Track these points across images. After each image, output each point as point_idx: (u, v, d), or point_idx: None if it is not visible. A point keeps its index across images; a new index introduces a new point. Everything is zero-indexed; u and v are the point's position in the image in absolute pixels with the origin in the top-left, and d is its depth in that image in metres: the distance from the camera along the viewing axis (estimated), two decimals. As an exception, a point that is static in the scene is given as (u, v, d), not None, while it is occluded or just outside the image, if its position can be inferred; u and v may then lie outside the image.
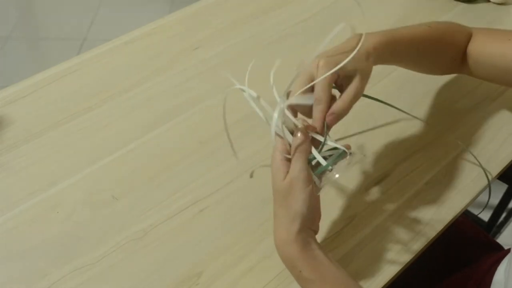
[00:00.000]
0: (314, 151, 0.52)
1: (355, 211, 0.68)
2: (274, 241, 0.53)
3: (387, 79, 0.82)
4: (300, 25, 0.95)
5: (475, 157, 0.73)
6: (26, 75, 0.86)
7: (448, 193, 0.70)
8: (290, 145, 0.52)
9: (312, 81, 0.53)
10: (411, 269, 0.64)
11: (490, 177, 0.71)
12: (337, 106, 0.54)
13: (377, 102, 0.69)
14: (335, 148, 0.54)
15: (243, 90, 0.53)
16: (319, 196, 0.54)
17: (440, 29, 0.67)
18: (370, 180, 0.71)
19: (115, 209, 0.68)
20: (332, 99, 0.55)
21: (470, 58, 0.69)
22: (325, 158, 0.53)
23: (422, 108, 0.80)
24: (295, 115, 0.55)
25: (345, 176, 0.71)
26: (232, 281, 0.61)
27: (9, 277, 0.62)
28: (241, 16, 0.96)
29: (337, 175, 0.53)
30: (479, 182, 0.71)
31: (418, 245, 0.64)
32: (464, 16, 0.95)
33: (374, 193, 0.70)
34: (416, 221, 0.67)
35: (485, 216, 1.30)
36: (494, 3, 0.98)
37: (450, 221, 0.67)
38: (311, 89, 0.54)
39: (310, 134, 0.52)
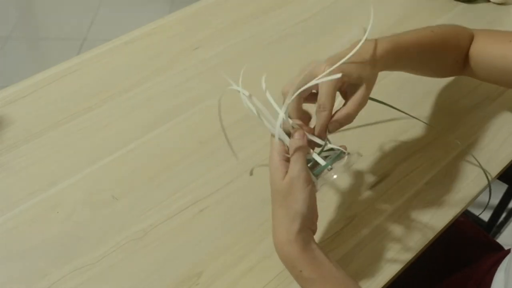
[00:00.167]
0: (312, 153, 0.53)
1: (355, 211, 0.68)
2: (273, 241, 0.53)
3: (387, 79, 0.82)
4: (300, 25, 0.95)
5: (474, 157, 0.73)
6: (26, 75, 0.86)
7: (448, 193, 0.70)
8: (287, 146, 0.52)
9: (312, 76, 0.53)
10: (411, 269, 0.64)
11: (490, 177, 0.71)
12: (341, 114, 0.54)
13: (377, 102, 0.69)
14: (332, 150, 0.54)
15: (239, 91, 0.53)
16: (315, 197, 0.54)
17: (443, 33, 0.67)
18: (370, 180, 0.71)
19: (115, 209, 0.68)
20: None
21: (472, 60, 0.69)
22: (323, 159, 0.53)
23: (422, 108, 0.80)
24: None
25: (345, 176, 0.71)
26: (232, 281, 0.61)
27: (9, 277, 0.62)
28: (241, 16, 0.96)
29: (335, 176, 0.53)
30: (479, 182, 0.71)
31: (418, 245, 0.64)
32: (464, 16, 0.95)
33: (374, 193, 0.70)
34: (416, 221, 0.67)
35: (485, 216, 1.30)
36: (494, 3, 0.98)
37: (450, 221, 0.67)
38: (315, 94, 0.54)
39: (307, 136, 0.52)
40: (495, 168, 0.73)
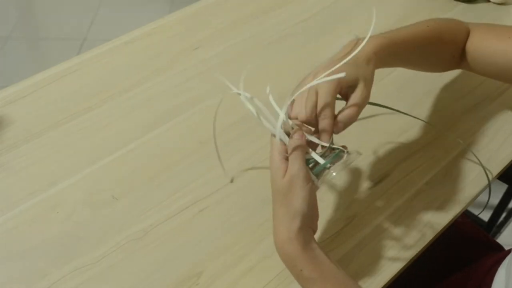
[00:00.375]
0: (312, 153, 0.53)
1: (355, 211, 0.68)
2: (274, 240, 0.53)
3: (387, 79, 0.82)
4: (300, 25, 0.95)
5: (475, 156, 0.73)
6: (26, 75, 0.86)
7: (448, 193, 0.70)
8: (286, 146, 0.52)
9: (316, 93, 0.53)
10: (411, 269, 0.64)
11: (490, 176, 0.71)
12: (344, 115, 0.54)
13: (378, 102, 0.69)
14: (332, 149, 0.54)
15: (239, 93, 0.53)
16: (316, 196, 0.54)
17: (439, 27, 0.67)
18: (370, 180, 0.71)
19: (115, 209, 0.68)
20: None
21: (469, 55, 0.69)
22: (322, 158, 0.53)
23: (421, 108, 0.80)
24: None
25: (345, 176, 0.71)
26: (232, 281, 0.61)
27: (9, 277, 0.62)
28: (241, 16, 0.96)
29: (334, 174, 0.53)
30: (479, 182, 0.71)
31: (418, 245, 0.64)
32: (464, 16, 0.95)
33: (374, 193, 0.70)
34: (416, 221, 0.67)
35: (485, 216, 1.30)
36: (494, 3, 0.98)
37: (450, 221, 0.67)
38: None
39: (306, 136, 0.53)
40: (495, 168, 0.73)
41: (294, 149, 0.51)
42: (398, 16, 0.95)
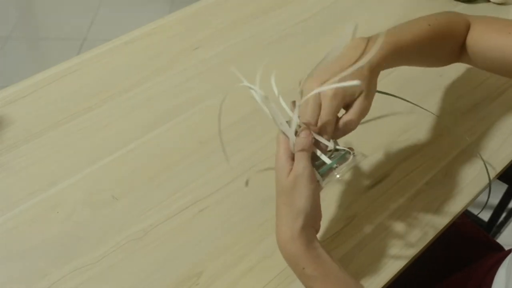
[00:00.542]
0: (318, 152, 0.53)
1: (355, 211, 0.68)
2: (276, 239, 0.53)
3: (386, 79, 0.82)
4: (300, 25, 0.95)
5: (480, 156, 0.73)
6: (26, 75, 0.86)
7: (448, 193, 0.70)
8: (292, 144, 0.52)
9: (319, 105, 0.53)
10: (411, 268, 0.64)
11: (491, 175, 0.71)
12: (344, 123, 0.54)
13: (378, 102, 0.69)
14: (337, 150, 0.54)
15: (251, 88, 0.53)
16: (319, 195, 0.54)
17: (440, 25, 0.66)
18: (370, 180, 0.71)
19: (115, 209, 0.68)
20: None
21: (469, 49, 0.68)
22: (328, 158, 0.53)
23: (421, 109, 0.80)
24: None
25: (345, 176, 0.71)
26: (232, 281, 0.61)
27: (9, 277, 0.62)
28: (241, 16, 0.96)
29: (338, 175, 0.53)
30: (479, 182, 0.71)
31: (418, 245, 0.64)
32: (464, 16, 0.95)
33: (374, 193, 0.70)
34: (416, 221, 0.67)
35: (485, 216, 1.30)
36: (494, 3, 0.98)
37: (450, 221, 0.67)
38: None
39: (313, 136, 0.53)
40: (495, 168, 0.73)
41: (301, 148, 0.51)
42: (398, 16, 0.94)
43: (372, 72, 0.56)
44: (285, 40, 0.92)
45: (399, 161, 0.73)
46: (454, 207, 0.68)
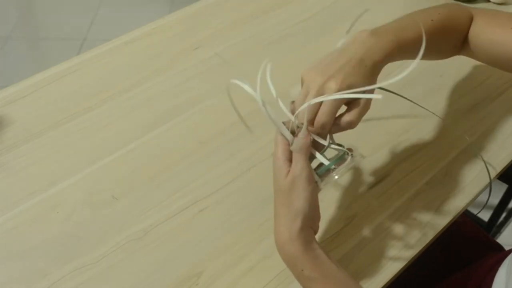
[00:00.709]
0: (316, 153, 0.53)
1: (355, 211, 0.68)
2: (274, 240, 0.53)
3: (386, 79, 0.82)
4: (300, 25, 0.95)
5: (480, 156, 0.73)
6: (26, 75, 0.86)
7: (448, 193, 0.70)
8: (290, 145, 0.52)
9: (318, 104, 0.52)
10: (411, 269, 0.64)
11: (492, 175, 0.71)
12: (344, 122, 0.53)
13: (378, 102, 0.69)
14: (335, 144, 0.54)
15: (241, 84, 0.53)
16: (318, 196, 0.54)
17: (443, 19, 0.65)
18: (370, 180, 0.71)
19: (115, 209, 0.68)
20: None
21: (471, 43, 0.67)
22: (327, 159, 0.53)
23: (421, 109, 0.80)
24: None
25: (345, 176, 0.71)
26: (232, 281, 0.61)
27: (9, 277, 0.62)
28: (241, 16, 0.96)
29: (336, 176, 0.53)
30: (479, 182, 0.71)
31: (418, 245, 0.64)
32: (464, 16, 0.95)
33: (374, 193, 0.70)
34: (416, 221, 0.67)
35: (485, 216, 1.30)
36: (494, 3, 0.98)
37: (450, 221, 0.67)
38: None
39: (311, 136, 0.53)
40: (496, 168, 0.73)
41: (298, 149, 0.51)
42: (398, 16, 0.94)
43: (374, 71, 0.56)
44: (285, 40, 0.92)
45: (399, 161, 0.73)
46: (454, 207, 0.68)
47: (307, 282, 0.52)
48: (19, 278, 0.61)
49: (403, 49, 0.59)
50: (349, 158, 0.53)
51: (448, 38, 0.67)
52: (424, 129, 0.77)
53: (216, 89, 0.82)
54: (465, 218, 0.92)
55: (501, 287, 0.72)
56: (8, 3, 2.50)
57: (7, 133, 0.76)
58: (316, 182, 0.52)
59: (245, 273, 0.62)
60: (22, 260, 0.63)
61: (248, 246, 0.64)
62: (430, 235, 0.65)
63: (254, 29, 0.94)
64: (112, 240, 0.65)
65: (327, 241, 0.65)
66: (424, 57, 0.70)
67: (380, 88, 0.62)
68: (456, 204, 0.69)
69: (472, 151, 0.74)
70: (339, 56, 0.54)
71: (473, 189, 0.70)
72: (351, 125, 0.54)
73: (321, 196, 0.54)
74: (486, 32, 0.66)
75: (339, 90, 0.51)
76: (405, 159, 0.74)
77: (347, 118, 0.54)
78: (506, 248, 0.87)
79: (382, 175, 0.72)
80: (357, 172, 0.72)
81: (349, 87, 0.52)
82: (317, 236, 0.54)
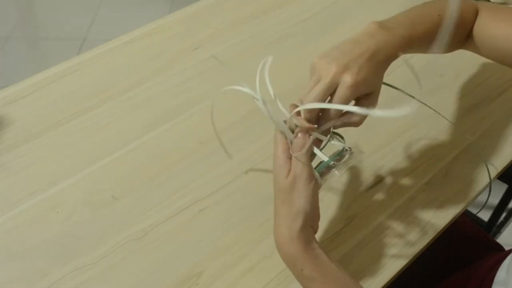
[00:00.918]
0: (315, 150, 0.53)
1: (355, 211, 0.68)
2: (274, 239, 0.53)
3: (386, 79, 0.82)
4: (300, 25, 0.95)
5: (481, 156, 0.73)
6: (26, 75, 0.86)
7: (448, 193, 0.70)
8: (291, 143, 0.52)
9: (333, 88, 0.52)
10: (411, 268, 0.64)
11: (492, 174, 0.71)
12: (350, 120, 0.54)
13: (378, 102, 0.69)
14: (334, 134, 0.54)
15: (242, 87, 0.53)
16: (318, 196, 0.54)
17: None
18: (370, 180, 0.71)
19: (115, 209, 0.68)
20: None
21: (475, 37, 0.67)
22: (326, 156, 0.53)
23: (421, 109, 0.80)
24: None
25: (345, 176, 0.71)
26: (232, 281, 0.61)
27: (9, 277, 0.62)
28: (241, 16, 0.96)
29: (336, 172, 0.53)
30: (479, 182, 0.71)
31: (418, 245, 0.64)
32: (464, 16, 0.95)
33: (374, 193, 0.70)
34: (416, 221, 0.67)
35: (485, 216, 1.30)
36: (494, 3, 0.98)
37: (450, 221, 0.67)
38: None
39: (312, 134, 0.52)
40: (496, 168, 0.73)
41: (299, 148, 0.51)
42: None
43: (386, 66, 0.55)
44: (285, 40, 0.92)
45: (399, 161, 0.73)
46: (454, 207, 0.68)
47: (307, 282, 0.52)
48: (19, 278, 0.61)
49: (412, 45, 0.59)
50: (348, 153, 0.53)
51: (454, 33, 0.66)
52: (424, 129, 0.77)
53: (216, 89, 0.82)
54: (465, 218, 0.92)
55: (501, 287, 0.72)
56: (8, 3, 2.50)
57: (7, 133, 0.76)
58: (316, 179, 0.52)
59: (245, 273, 0.62)
60: (22, 260, 0.63)
61: (248, 246, 0.64)
62: (430, 235, 0.65)
63: (254, 29, 0.94)
64: (112, 240, 0.65)
65: (327, 241, 0.65)
66: (430, 51, 0.69)
67: (386, 84, 0.62)
68: (456, 204, 0.69)
69: (472, 151, 0.75)
70: (352, 48, 0.53)
71: (473, 189, 0.70)
72: (358, 123, 0.54)
73: (321, 196, 0.54)
74: (491, 26, 0.65)
75: (354, 83, 0.51)
76: (405, 159, 0.74)
77: (355, 118, 0.53)
78: (506, 248, 0.87)
79: (382, 175, 0.72)
80: (357, 172, 0.72)
81: (364, 80, 0.52)
82: (317, 236, 0.54)
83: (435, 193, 0.70)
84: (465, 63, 0.87)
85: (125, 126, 0.78)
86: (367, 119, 0.78)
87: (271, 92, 0.53)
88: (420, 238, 0.65)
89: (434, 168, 0.73)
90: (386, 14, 0.60)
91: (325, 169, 0.54)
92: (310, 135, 0.52)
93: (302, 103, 0.53)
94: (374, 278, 0.62)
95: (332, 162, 0.53)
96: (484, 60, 0.86)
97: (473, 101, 0.82)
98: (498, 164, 0.73)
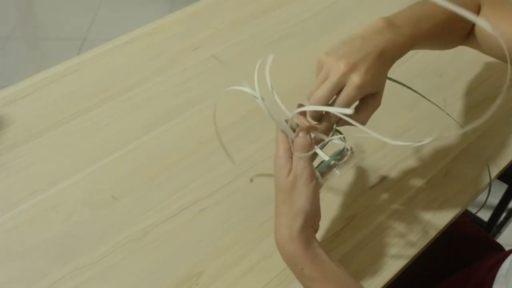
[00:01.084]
0: (317, 149, 0.53)
1: (355, 211, 0.68)
2: (275, 239, 0.53)
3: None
4: (300, 25, 0.95)
5: (481, 156, 0.73)
6: (26, 75, 0.86)
7: (448, 193, 0.70)
8: (292, 143, 0.52)
9: (340, 87, 0.52)
10: (411, 268, 0.64)
11: (491, 174, 0.71)
12: (356, 119, 0.53)
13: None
14: (337, 132, 0.54)
15: (255, 96, 0.52)
16: (319, 195, 0.54)
17: (453, 11, 0.65)
18: (370, 180, 0.71)
19: (115, 209, 0.68)
20: None
21: (477, 34, 0.66)
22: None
23: (420, 109, 0.80)
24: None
25: (345, 176, 0.71)
26: (232, 281, 0.61)
27: (9, 277, 0.62)
28: (241, 16, 0.96)
29: (337, 171, 0.53)
30: (479, 182, 0.71)
31: (418, 245, 0.64)
32: (464, 16, 0.95)
33: (374, 193, 0.70)
34: (416, 221, 0.67)
35: (485, 216, 1.30)
36: None
37: (450, 220, 0.67)
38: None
39: (313, 133, 0.53)
40: (496, 168, 0.73)
41: (299, 147, 0.51)
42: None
43: (391, 64, 0.55)
44: (285, 40, 0.92)
45: (399, 161, 0.73)
46: (454, 207, 0.68)
47: (307, 281, 0.52)
48: (19, 278, 0.61)
49: (418, 43, 0.58)
50: (349, 153, 0.54)
51: (457, 30, 0.66)
52: (424, 129, 0.77)
53: (216, 89, 0.82)
54: (465, 218, 0.92)
55: (501, 287, 0.72)
56: (8, 3, 2.50)
57: (7, 133, 0.76)
58: (317, 179, 0.52)
59: (245, 273, 0.62)
60: (22, 260, 0.63)
61: (248, 246, 0.64)
62: (430, 235, 0.65)
63: (254, 29, 0.94)
64: (112, 240, 0.65)
65: (327, 241, 0.65)
66: (432, 48, 0.69)
67: (391, 79, 0.62)
68: (456, 204, 0.69)
69: (472, 151, 0.75)
70: (361, 46, 0.53)
71: (473, 189, 0.70)
72: (361, 123, 0.54)
73: (321, 196, 0.54)
74: (492, 24, 0.65)
75: (362, 84, 0.51)
76: (405, 159, 0.74)
77: (357, 117, 0.53)
78: (506, 248, 0.87)
79: (382, 175, 0.72)
80: (357, 172, 0.72)
81: (371, 80, 0.52)
82: (317, 236, 0.54)
83: (435, 193, 0.70)
84: (465, 63, 0.87)
85: (125, 126, 0.78)
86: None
87: (269, 86, 0.53)
88: (420, 238, 0.65)
89: (434, 168, 0.73)
90: (386, 14, 0.59)
91: (326, 168, 0.54)
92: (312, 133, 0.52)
93: (309, 99, 0.53)
94: (374, 278, 0.62)
95: (333, 162, 0.53)
96: (484, 60, 0.86)
97: (473, 101, 0.82)
98: (498, 164, 0.73)
